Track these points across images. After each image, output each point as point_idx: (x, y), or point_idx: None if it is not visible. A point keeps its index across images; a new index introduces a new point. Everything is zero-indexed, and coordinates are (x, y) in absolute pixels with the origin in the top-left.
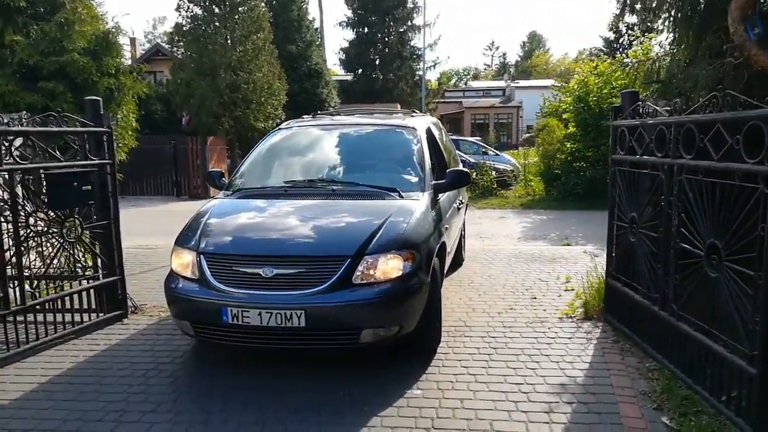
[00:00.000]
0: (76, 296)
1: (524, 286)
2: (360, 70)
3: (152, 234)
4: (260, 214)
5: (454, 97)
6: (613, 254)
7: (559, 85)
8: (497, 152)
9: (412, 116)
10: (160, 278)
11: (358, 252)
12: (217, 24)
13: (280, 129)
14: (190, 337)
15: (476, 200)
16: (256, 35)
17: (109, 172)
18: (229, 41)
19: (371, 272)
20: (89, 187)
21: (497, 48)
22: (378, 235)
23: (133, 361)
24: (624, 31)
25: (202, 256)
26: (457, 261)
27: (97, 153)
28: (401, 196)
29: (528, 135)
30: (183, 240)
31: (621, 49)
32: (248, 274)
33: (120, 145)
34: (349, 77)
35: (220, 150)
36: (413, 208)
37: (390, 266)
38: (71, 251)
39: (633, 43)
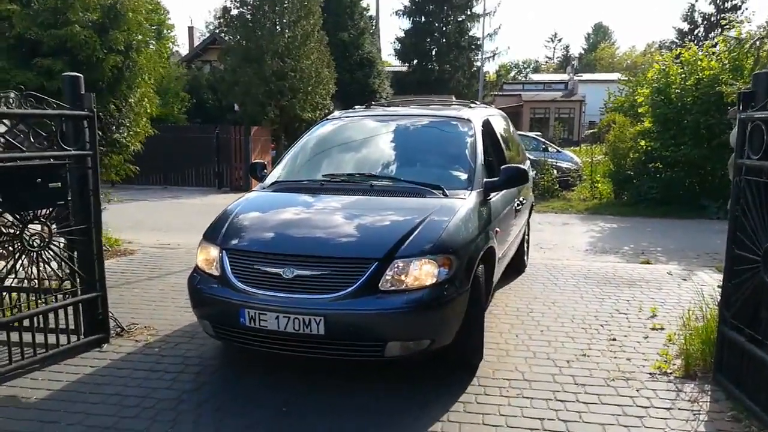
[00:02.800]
0: (50, 315)
1: (598, 321)
2: (415, 61)
3: (180, 230)
4: (289, 210)
5: (512, 89)
6: (733, 296)
7: (626, 78)
8: (559, 149)
9: (470, 107)
10: (167, 288)
11: (387, 255)
12: (266, 8)
13: (327, 120)
14: (211, 337)
15: (535, 202)
16: (305, 20)
17: (90, 165)
18: (278, 27)
19: (401, 278)
20: (58, 185)
21: (560, 40)
22: (412, 237)
23: (87, 420)
24: (700, 21)
25: (224, 252)
26: (519, 267)
27: (75, 142)
28: (445, 195)
29: (591, 131)
30: (209, 234)
31: (696, 41)
32: (269, 274)
33: (130, 133)
34: (403, 68)
35: (265, 141)
36: (456, 207)
37: (423, 272)
38: (37, 261)
39: (724, 27)
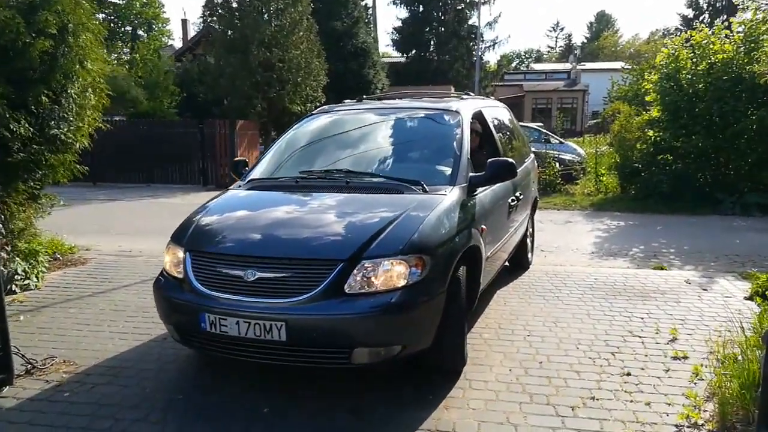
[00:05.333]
0: None
1: (608, 347)
2: (413, 51)
3: (148, 234)
4: (258, 209)
5: (514, 80)
6: None
7: (630, 67)
8: (561, 140)
9: (462, 99)
10: (109, 307)
11: (353, 255)
12: None
13: (311, 115)
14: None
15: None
16: (293, 8)
17: None
18: (264, 15)
19: (369, 280)
20: None
21: (562, 29)
22: (382, 236)
23: None
24: (705, 7)
25: (188, 253)
26: (521, 263)
27: None
28: (425, 191)
29: (594, 121)
30: (176, 235)
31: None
32: (230, 277)
33: (70, 129)
34: (401, 59)
35: (252, 135)
36: (435, 204)
37: (393, 273)
38: None
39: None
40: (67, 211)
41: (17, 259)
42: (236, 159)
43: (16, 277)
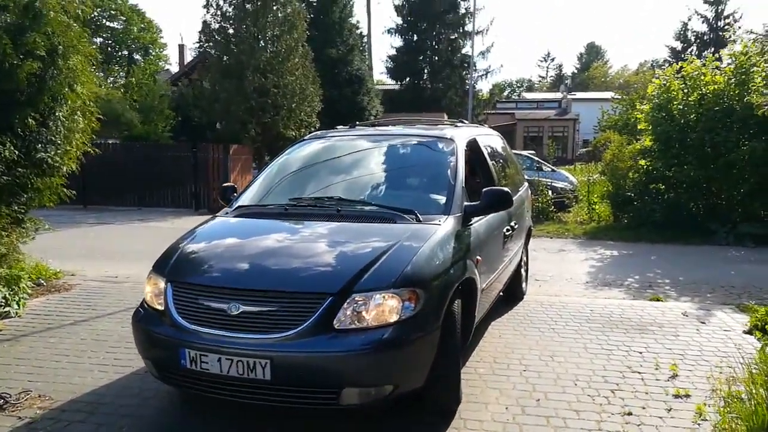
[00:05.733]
0: None
1: (607, 383)
2: (407, 79)
3: (135, 259)
4: (245, 238)
5: (506, 108)
6: None
7: (620, 97)
8: (554, 168)
9: (456, 126)
10: (91, 337)
11: (343, 288)
12: (248, 22)
13: (303, 140)
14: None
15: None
16: (288, 35)
17: None
18: (261, 41)
19: (360, 315)
20: None
21: (553, 59)
22: (373, 268)
23: None
24: (693, 40)
25: (169, 284)
26: (516, 293)
27: None
28: (419, 220)
29: (586, 149)
30: (157, 264)
31: (690, 62)
32: (213, 310)
33: (58, 152)
34: (396, 86)
35: (246, 159)
36: (429, 234)
37: (385, 308)
38: None
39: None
40: (54, 234)
41: None
42: (225, 185)
43: None
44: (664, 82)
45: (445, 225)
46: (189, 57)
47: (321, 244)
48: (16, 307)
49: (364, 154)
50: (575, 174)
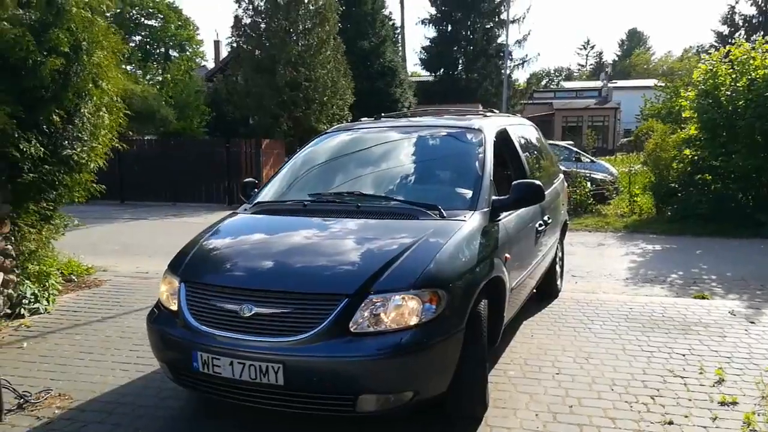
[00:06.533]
0: None
1: (647, 388)
2: (442, 70)
3: (168, 254)
4: (260, 236)
5: (543, 98)
6: None
7: (663, 84)
8: (593, 158)
9: (486, 116)
10: (116, 334)
11: (360, 289)
12: (279, 16)
13: (326, 133)
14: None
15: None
16: (320, 27)
17: None
18: (292, 35)
19: (378, 317)
20: None
21: (592, 47)
22: (392, 267)
23: None
24: (740, 24)
25: (183, 284)
26: (550, 290)
27: None
28: (443, 216)
29: (627, 139)
30: (173, 263)
31: (738, 45)
32: (225, 311)
33: (84, 149)
34: (430, 78)
35: (278, 154)
36: (453, 231)
37: (404, 310)
38: None
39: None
40: (89, 230)
41: (27, 282)
42: (245, 180)
43: (24, 300)
44: (711, 68)
45: (471, 221)
46: (224, 53)
47: (338, 243)
48: (45, 303)
49: (388, 147)
50: (616, 165)
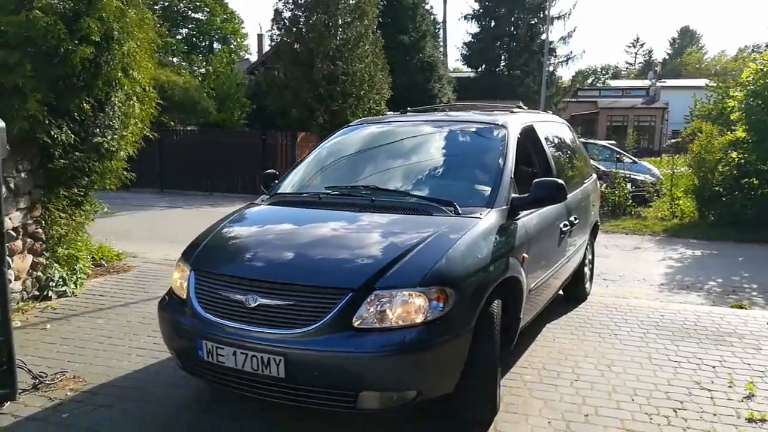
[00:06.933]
0: None
1: (670, 400)
2: (483, 66)
3: None
4: (273, 227)
5: (588, 96)
6: None
7: (715, 84)
8: (635, 159)
9: (513, 112)
10: (137, 319)
11: (365, 284)
12: (319, 10)
13: (348, 126)
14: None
15: (604, 221)
16: (359, 21)
17: None
18: (332, 29)
19: (383, 313)
20: None
21: (642, 45)
22: (400, 263)
23: None
24: None
25: (193, 272)
26: (577, 293)
27: None
28: (458, 212)
29: (674, 140)
30: (186, 251)
31: None
32: (231, 301)
33: (114, 137)
34: (471, 74)
35: (313, 147)
36: (466, 228)
37: (410, 307)
38: None
39: None
40: (126, 217)
41: (56, 265)
42: (267, 171)
43: (51, 283)
44: (762, 67)
45: (487, 218)
46: (268, 46)
47: (348, 236)
48: (73, 286)
49: (408, 141)
50: (660, 166)
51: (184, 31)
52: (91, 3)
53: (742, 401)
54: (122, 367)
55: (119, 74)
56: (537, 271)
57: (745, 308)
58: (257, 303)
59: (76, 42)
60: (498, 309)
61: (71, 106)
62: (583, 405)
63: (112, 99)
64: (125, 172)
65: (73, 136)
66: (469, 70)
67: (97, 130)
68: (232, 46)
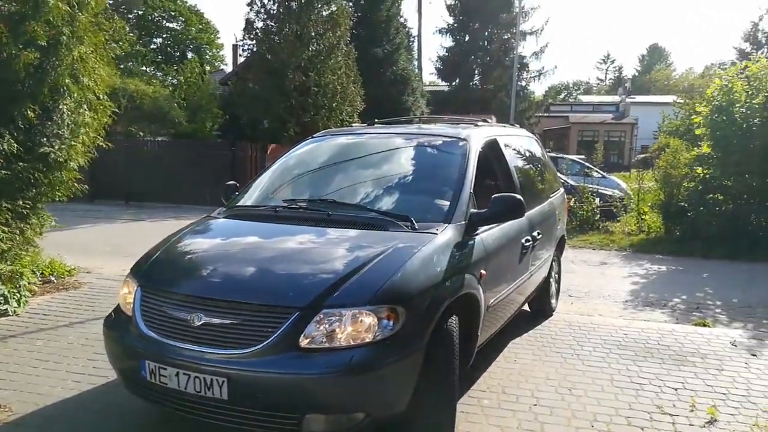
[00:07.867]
0: None
1: (631, 426)
2: (457, 80)
3: None
4: (223, 242)
5: (560, 111)
6: None
7: (683, 101)
8: (603, 174)
9: (477, 126)
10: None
11: (312, 303)
12: (291, 20)
13: (311, 138)
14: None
15: (571, 236)
16: (331, 32)
17: None
18: (304, 39)
19: (330, 333)
20: None
21: (612, 61)
22: (350, 281)
23: None
24: (763, 41)
25: (139, 288)
26: (543, 309)
27: None
28: (414, 228)
29: (643, 155)
30: (135, 267)
31: (756, 61)
32: (176, 320)
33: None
34: (445, 88)
35: None
36: (422, 244)
37: (359, 326)
38: None
39: None
40: (85, 230)
41: None
42: (228, 183)
43: None
44: (726, 83)
45: (443, 234)
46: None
47: (300, 252)
48: (15, 305)
49: (371, 154)
50: (628, 181)
51: (159, 40)
52: (38, 6)
53: (704, 426)
54: (54, 394)
55: (67, 81)
56: (497, 287)
57: (708, 326)
58: (202, 322)
59: (20, 46)
60: (455, 326)
61: (15, 114)
62: None
63: (60, 107)
64: (77, 184)
65: (16, 145)
66: (443, 83)
67: (44, 139)
68: (206, 57)
